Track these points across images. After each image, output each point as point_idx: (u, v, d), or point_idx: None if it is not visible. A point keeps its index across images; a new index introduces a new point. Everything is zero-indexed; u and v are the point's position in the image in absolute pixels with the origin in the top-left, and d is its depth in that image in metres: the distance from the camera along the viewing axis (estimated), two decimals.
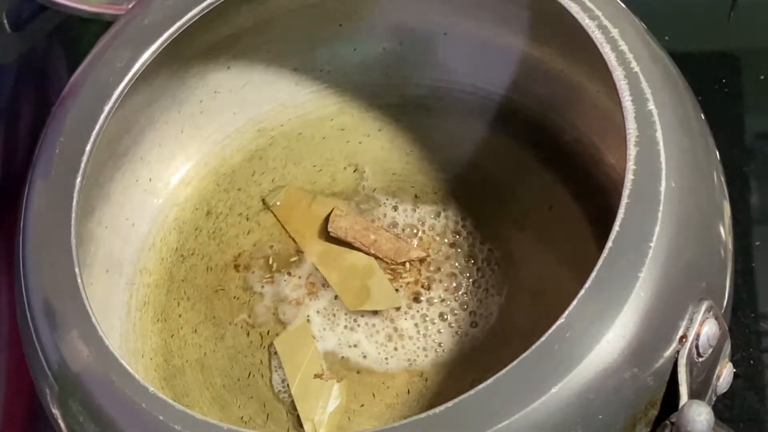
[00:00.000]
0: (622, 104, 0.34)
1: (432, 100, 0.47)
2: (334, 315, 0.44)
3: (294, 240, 0.46)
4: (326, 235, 0.46)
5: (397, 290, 0.44)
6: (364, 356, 0.43)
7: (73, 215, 0.35)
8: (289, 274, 0.45)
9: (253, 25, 0.45)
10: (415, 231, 0.45)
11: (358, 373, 0.42)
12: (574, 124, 0.44)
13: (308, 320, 0.44)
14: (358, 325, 0.43)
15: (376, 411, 0.42)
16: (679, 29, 0.55)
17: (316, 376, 0.42)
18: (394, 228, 0.45)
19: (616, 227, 0.31)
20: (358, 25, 0.47)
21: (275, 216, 0.47)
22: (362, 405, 0.42)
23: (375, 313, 0.43)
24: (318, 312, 0.44)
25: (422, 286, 0.44)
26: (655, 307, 0.30)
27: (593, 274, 0.30)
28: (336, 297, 0.44)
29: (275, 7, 0.45)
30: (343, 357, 0.43)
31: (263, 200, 0.47)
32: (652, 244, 0.31)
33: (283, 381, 0.43)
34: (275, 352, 0.43)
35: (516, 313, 0.43)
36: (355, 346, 0.43)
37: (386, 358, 0.43)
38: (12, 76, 0.60)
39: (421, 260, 0.44)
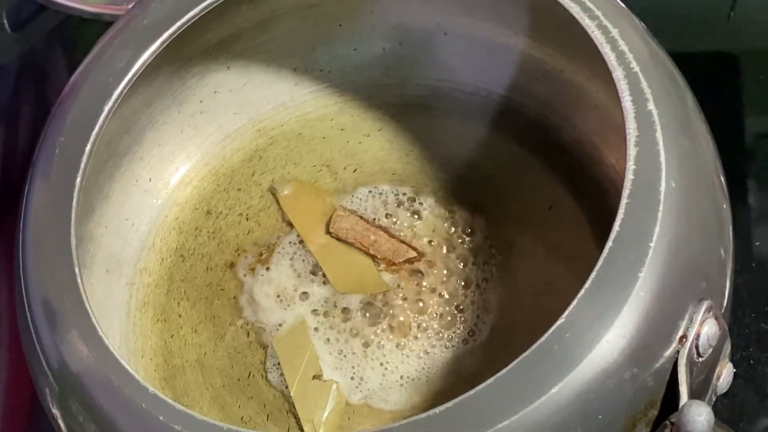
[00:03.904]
0: (622, 104, 0.34)
1: (432, 100, 0.47)
2: (330, 315, 0.44)
3: (297, 230, 0.46)
4: (328, 231, 0.46)
5: (398, 286, 0.44)
6: (363, 356, 0.43)
7: (73, 215, 0.35)
8: (268, 268, 0.45)
9: (253, 25, 0.45)
10: (414, 231, 0.45)
11: (354, 368, 0.42)
12: (574, 124, 0.44)
13: (305, 320, 0.44)
14: (357, 326, 0.43)
15: (376, 411, 0.42)
16: (679, 29, 0.55)
17: (315, 376, 0.42)
18: (394, 228, 0.45)
19: (616, 227, 0.31)
20: (358, 25, 0.47)
21: (280, 205, 0.47)
22: (362, 405, 0.42)
23: (373, 313, 0.43)
24: (314, 309, 0.44)
25: (421, 286, 0.44)
26: (655, 307, 0.30)
27: (593, 274, 0.30)
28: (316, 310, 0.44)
29: (275, 7, 0.45)
30: (340, 351, 0.43)
31: (271, 189, 0.47)
32: (652, 244, 0.31)
33: (282, 380, 0.43)
34: (273, 354, 0.43)
35: (516, 313, 0.43)
36: (351, 341, 0.43)
37: (385, 357, 0.43)
38: (12, 76, 0.60)
39: (421, 260, 0.44)
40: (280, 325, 0.44)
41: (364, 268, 0.45)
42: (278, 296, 0.45)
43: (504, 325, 0.42)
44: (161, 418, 0.31)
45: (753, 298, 0.47)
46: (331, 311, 0.44)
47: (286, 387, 0.42)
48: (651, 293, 0.30)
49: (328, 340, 0.43)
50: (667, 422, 0.31)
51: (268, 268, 0.45)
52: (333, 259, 0.45)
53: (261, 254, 0.46)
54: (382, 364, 0.42)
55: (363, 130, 0.48)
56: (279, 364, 0.43)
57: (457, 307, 0.43)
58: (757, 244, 0.49)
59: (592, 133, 0.44)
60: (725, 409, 0.45)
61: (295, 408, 0.42)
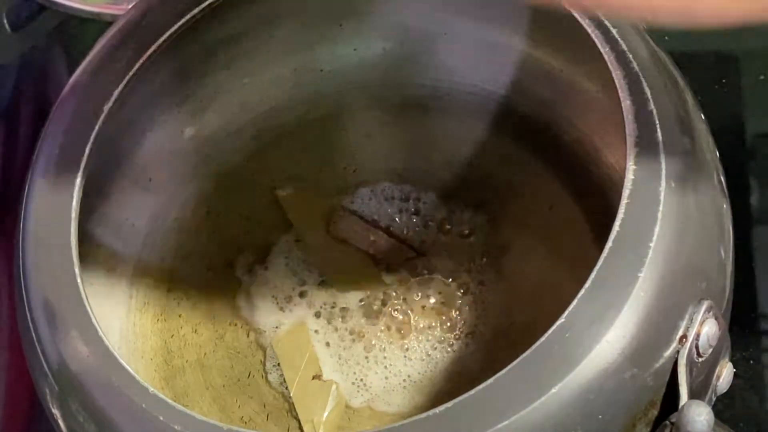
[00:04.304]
0: (622, 104, 0.34)
1: (432, 100, 0.47)
2: (330, 317, 0.44)
3: (297, 230, 0.46)
4: (328, 231, 0.46)
5: (398, 285, 0.44)
6: (365, 359, 0.43)
7: (73, 215, 0.35)
8: (266, 268, 0.45)
9: (253, 25, 0.45)
10: (414, 231, 0.45)
11: (355, 372, 0.42)
12: (574, 124, 0.44)
13: (304, 318, 0.44)
14: (357, 328, 0.43)
15: (378, 413, 0.42)
16: (679, 29, 0.55)
17: (315, 377, 0.42)
18: (394, 228, 0.45)
19: (616, 227, 0.31)
20: (358, 25, 0.47)
21: (280, 205, 0.47)
22: (364, 407, 0.42)
23: (373, 314, 0.43)
24: (314, 311, 0.44)
25: (421, 286, 0.44)
26: (655, 307, 0.30)
27: (593, 274, 0.30)
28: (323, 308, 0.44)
29: (275, 7, 0.45)
30: (340, 356, 0.43)
31: (271, 189, 0.47)
32: (652, 244, 0.31)
33: (282, 381, 0.43)
34: (272, 355, 0.43)
35: (515, 313, 0.43)
36: (351, 343, 0.43)
37: (386, 360, 0.43)
38: (12, 76, 0.60)
39: (420, 260, 0.44)
40: (279, 326, 0.44)
41: (364, 268, 0.45)
42: (277, 297, 0.45)
43: (504, 326, 0.42)
44: (161, 418, 0.31)
45: (753, 298, 0.47)
46: (330, 313, 0.44)
47: (286, 388, 0.42)
48: (651, 293, 0.30)
49: (328, 344, 0.43)
50: (667, 422, 0.31)
51: (266, 268, 0.45)
52: (333, 259, 0.45)
53: (260, 254, 0.46)
54: (386, 367, 0.42)
55: (363, 130, 0.48)
56: (279, 364, 0.43)
57: (457, 307, 0.43)
58: (757, 243, 0.49)
59: (592, 133, 0.44)
60: (725, 409, 0.45)
61: (295, 408, 0.42)
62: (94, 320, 0.33)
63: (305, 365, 0.42)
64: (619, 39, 0.35)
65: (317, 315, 0.44)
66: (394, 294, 0.44)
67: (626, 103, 0.34)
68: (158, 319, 0.44)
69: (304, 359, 0.43)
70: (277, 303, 0.44)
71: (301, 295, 0.44)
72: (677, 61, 0.37)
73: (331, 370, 0.42)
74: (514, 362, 0.30)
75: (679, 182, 0.32)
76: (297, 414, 0.42)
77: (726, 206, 0.35)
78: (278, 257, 0.46)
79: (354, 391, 0.42)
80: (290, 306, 0.44)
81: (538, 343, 0.30)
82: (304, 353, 0.43)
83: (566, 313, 0.30)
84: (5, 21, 0.60)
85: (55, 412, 0.34)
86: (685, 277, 0.31)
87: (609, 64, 0.34)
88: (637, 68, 0.34)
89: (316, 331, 0.43)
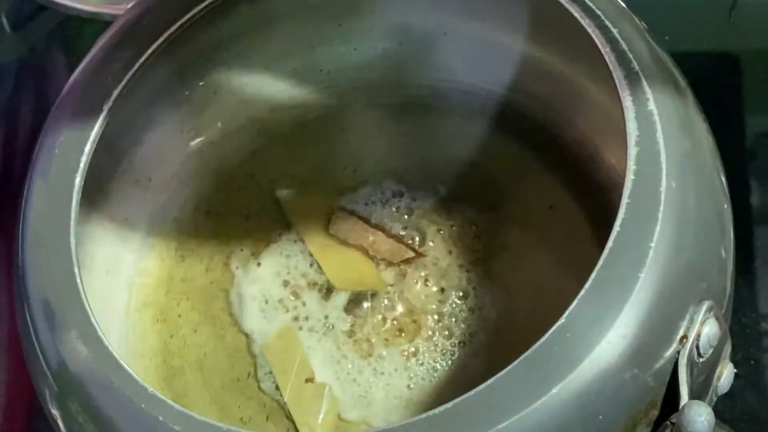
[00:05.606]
0: (622, 104, 0.34)
1: (432, 100, 0.47)
2: (329, 319, 0.44)
3: (296, 231, 0.46)
4: (328, 231, 0.46)
5: (396, 286, 0.44)
6: (362, 356, 0.43)
7: (73, 215, 0.35)
8: (260, 264, 0.45)
9: (253, 25, 0.45)
10: (414, 231, 0.45)
11: (353, 374, 0.42)
12: (574, 124, 0.44)
13: (297, 321, 0.44)
14: (354, 329, 0.43)
15: (376, 414, 0.42)
16: (679, 29, 0.55)
17: (308, 380, 0.42)
18: (394, 228, 0.45)
19: (616, 227, 0.31)
20: (358, 25, 0.47)
21: (280, 206, 0.46)
22: (359, 412, 0.42)
23: (371, 316, 0.43)
24: (312, 313, 0.44)
25: (420, 287, 0.44)
26: (656, 308, 0.30)
27: (593, 275, 0.30)
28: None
29: (275, 7, 0.45)
30: (336, 360, 0.43)
31: (271, 189, 0.47)
32: (652, 245, 0.31)
33: (276, 387, 0.42)
34: (263, 361, 0.43)
35: (515, 314, 0.43)
36: (348, 346, 0.43)
37: (383, 362, 0.42)
38: (12, 76, 0.60)
39: (420, 261, 0.44)
40: (270, 329, 0.44)
41: (363, 268, 0.45)
42: (272, 298, 0.44)
43: (504, 326, 0.42)
44: (161, 418, 0.31)
45: (753, 299, 0.47)
46: (328, 315, 0.44)
47: (281, 393, 0.42)
48: (652, 293, 0.30)
49: (325, 347, 0.43)
50: (668, 423, 0.31)
51: (259, 264, 0.45)
52: (332, 260, 0.45)
53: (260, 255, 0.46)
54: (384, 370, 0.42)
55: (363, 130, 0.48)
56: (271, 371, 0.43)
57: (456, 308, 0.43)
58: (758, 244, 0.49)
59: (592, 133, 0.44)
60: (726, 409, 0.45)
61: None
62: (93, 320, 0.33)
63: (297, 368, 0.42)
64: (619, 39, 0.35)
65: (315, 317, 0.44)
66: (393, 294, 0.44)
67: (626, 103, 0.33)
68: (158, 320, 0.44)
69: (295, 363, 0.42)
70: (272, 304, 0.44)
71: (298, 296, 0.44)
72: (677, 61, 0.37)
73: (327, 374, 0.42)
74: (514, 363, 0.29)
75: (680, 182, 0.32)
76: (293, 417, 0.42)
77: (727, 206, 0.35)
78: (278, 257, 0.46)
79: (350, 397, 0.42)
80: (287, 307, 0.44)
81: (538, 343, 0.30)
82: (294, 357, 0.43)
83: (566, 313, 0.30)
84: (5, 21, 0.60)
85: (55, 412, 0.34)
86: (686, 277, 0.31)
87: (609, 64, 0.34)
88: (637, 68, 0.34)
89: (313, 344, 0.43)
